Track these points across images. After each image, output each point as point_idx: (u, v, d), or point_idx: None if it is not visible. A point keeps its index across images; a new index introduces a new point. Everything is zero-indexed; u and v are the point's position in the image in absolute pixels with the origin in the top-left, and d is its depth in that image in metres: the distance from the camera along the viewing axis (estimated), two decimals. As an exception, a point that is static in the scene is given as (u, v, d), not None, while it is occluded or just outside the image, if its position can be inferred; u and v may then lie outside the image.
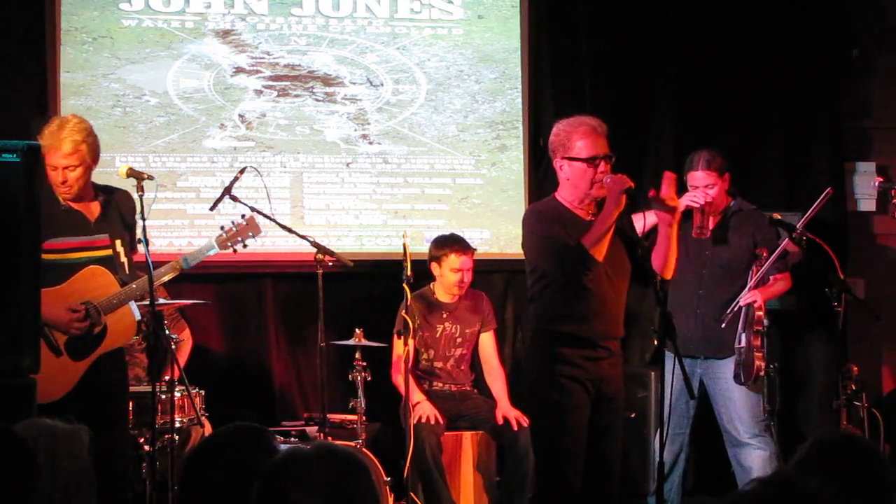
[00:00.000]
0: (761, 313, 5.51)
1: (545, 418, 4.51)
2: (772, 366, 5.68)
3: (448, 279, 6.04)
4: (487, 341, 6.21)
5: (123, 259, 4.79)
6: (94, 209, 4.81)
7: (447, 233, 6.23)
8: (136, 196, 4.73)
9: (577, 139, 4.45)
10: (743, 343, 5.52)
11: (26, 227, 3.81)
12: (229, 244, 4.92)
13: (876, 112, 7.13)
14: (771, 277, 5.69)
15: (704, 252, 5.74)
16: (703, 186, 5.66)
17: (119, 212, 4.86)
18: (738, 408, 5.61)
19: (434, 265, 6.07)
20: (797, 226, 5.51)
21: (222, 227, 4.93)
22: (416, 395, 5.82)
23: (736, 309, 5.58)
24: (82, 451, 2.86)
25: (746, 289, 5.58)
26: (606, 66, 6.82)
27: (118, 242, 4.76)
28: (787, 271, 5.76)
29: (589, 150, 4.44)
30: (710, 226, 5.63)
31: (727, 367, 5.61)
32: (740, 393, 5.60)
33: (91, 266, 4.73)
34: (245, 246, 4.97)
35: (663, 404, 4.27)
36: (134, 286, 4.69)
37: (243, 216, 4.96)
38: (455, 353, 6.14)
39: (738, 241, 5.71)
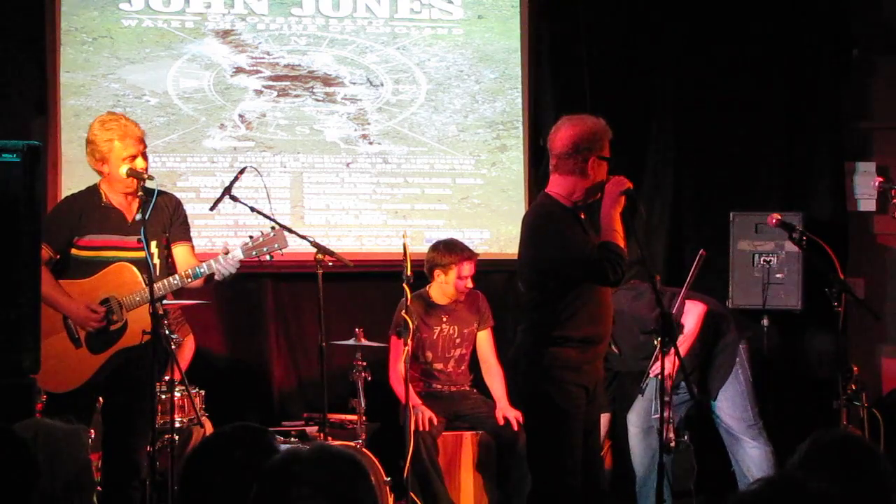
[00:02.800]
0: (669, 382, 5.07)
1: (550, 428, 4.44)
2: (685, 437, 5.53)
3: (456, 286, 6.02)
4: (485, 339, 6.20)
5: (157, 261, 4.78)
6: (134, 208, 4.81)
7: (444, 238, 6.19)
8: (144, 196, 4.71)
9: (606, 140, 4.48)
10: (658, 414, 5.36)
11: (26, 227, 3.81)
12: (254, 253, 4.84)
13: (876, 112, 7.13)
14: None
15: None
16: None
17: (159, 212, 4.85)
18: (727, 410, 5.65)
19: (439, 272, 6.02)
20: (678, 297, 5.37)
21: (251, 237, 4.86)
22: (413, 399, 5.74)
23: (647, 382, 5.46)
24: (82, 451, 2.86)
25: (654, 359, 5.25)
26: (606, 66, 6.82)
27: (154, 244, 4.74)
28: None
29: (609, 150, 4.49)
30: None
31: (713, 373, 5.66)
32: (724, 396, 5.66)
33: (120, 262, 4.74)
34: (270, 258, 4.91)
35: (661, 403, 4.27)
36: (158, 286, 4.68)
37: (273, 227, 4.87)
38: (455, 354, 6.14)
39: None
